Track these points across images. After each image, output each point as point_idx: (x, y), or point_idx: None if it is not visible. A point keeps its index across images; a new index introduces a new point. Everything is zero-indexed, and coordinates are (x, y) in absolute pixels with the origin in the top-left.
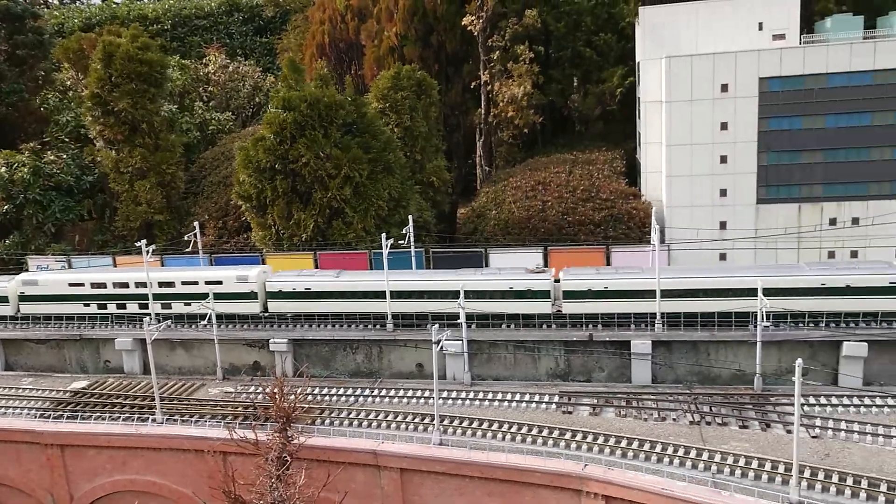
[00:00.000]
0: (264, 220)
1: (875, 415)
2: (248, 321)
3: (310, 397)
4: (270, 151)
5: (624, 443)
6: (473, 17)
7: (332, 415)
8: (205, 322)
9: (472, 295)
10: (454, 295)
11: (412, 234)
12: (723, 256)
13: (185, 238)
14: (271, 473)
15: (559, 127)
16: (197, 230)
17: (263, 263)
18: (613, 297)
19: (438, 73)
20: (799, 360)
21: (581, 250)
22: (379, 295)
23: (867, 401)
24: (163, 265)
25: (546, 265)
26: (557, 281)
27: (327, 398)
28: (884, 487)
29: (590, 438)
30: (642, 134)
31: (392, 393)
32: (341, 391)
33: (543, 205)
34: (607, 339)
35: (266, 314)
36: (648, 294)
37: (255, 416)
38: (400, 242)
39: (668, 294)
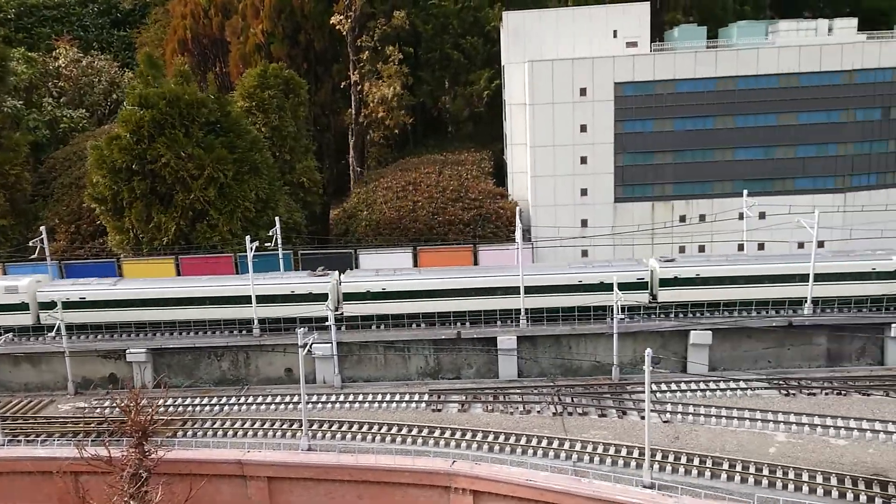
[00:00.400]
0: (121, 223)
1: (719, 398)
2: (101, 331)
3: (171, 409)
4: (127, 151)
5: (491, 437)
6: (341, 17)
7: (196, 426)
8: (52, 334)
9: (262, 300)
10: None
11: (279, 236)
12: (584, 253)
13: (31, 244)
14: (125, 491)
15: (430, 128)
16: (44, 236)
17: (120, 269)
18: (393, 299)
19: (307, 72)
20: (648, 351)
21: (450, 250)
22: (183, 302)
23: (712, 385)
24: (5, 273)
25: (415, 265)
26: None
27: (190, 409)
28: (725, 465)
29: (458, 435)
30: (508, 135)
31: (260, 400)
32: (205, 400)
33: (414, 205)
34: (475, 336)
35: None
36: (424, 294)
37: (109, 432)
38: (267, 245)
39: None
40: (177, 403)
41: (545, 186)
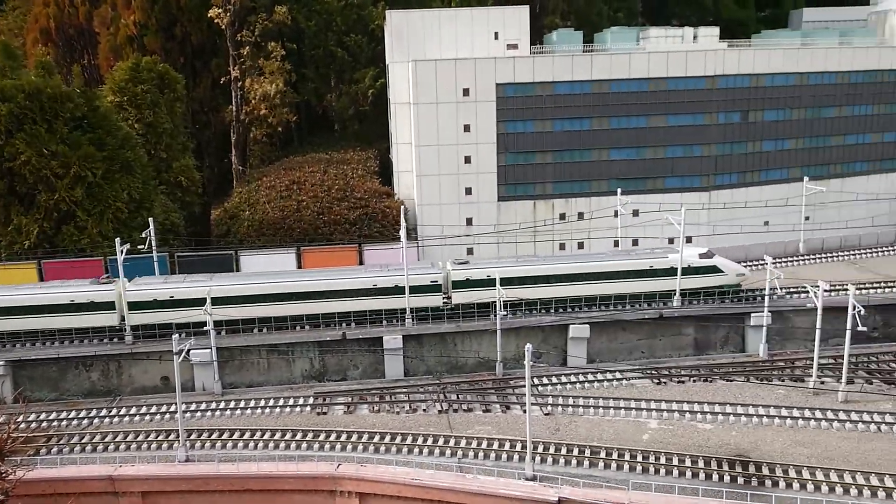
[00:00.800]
0: None
1: (597, 389)
2: None
3: (33, 424)
4: None
5: (377, 438)
6: (220, 10)
7: (62, 441)
8: None
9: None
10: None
11: (154, 238)
12: (470, 251)
13: None
14: None
15: (315, 126)
16: None
17: None
18: (179, 307)
19: (184, 66)
20: (529, 346)
21: (335, 250)
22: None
23: (590, 377)
24: None
25: (299, 265)
26: None
27: (56, 423)
28: (603, 454)
29: (344, 437)
30: (394, 134)
31: (134, 411)
32: (73, 414)
33: (298, 204)
34: (360, 336)
35: None
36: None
37: None
38: (141, 247)
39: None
40: (41, 419)
41: (430, 185)
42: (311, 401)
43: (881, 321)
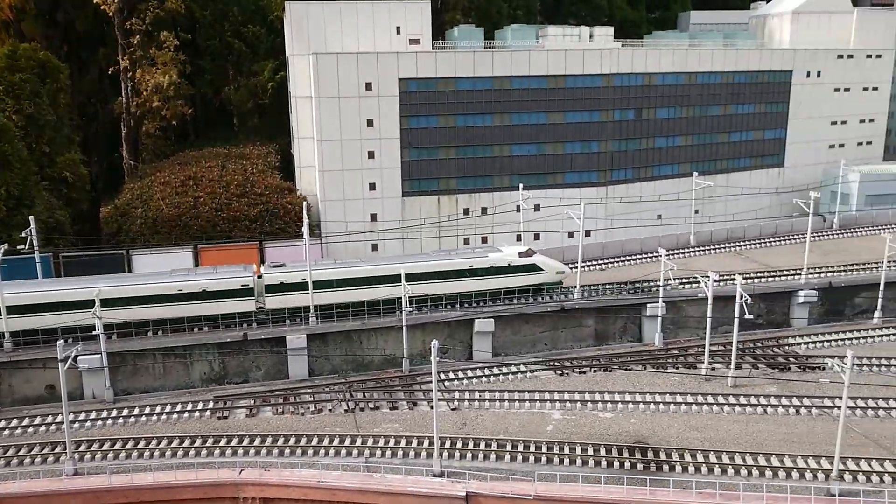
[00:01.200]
0: None
1: (502, 382)
2: None
3: None
4: None
5: (281, 441)
6: None
7: None
8: None
9: None
10: None
11: (35, 237)
12: (375, 247)
13: None
14: None
15: (213, 120)
16: None
17: None
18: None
19: (68, 55)
20: (435, 342)
21: (233, 247)
22: None
23: (496, 370)
24: None
25: (197, 264)
26: None
27: None
28: (509, 446)
29: (246, 441)
30: (295, 129)
31: (15, 423)
32: None
33: (196, 201)
34: (262, 336)
35: None
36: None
37: None
38: (21, 247)
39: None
40: None
41: (334, 181)
42: (210, 405)
43: (765, 309)
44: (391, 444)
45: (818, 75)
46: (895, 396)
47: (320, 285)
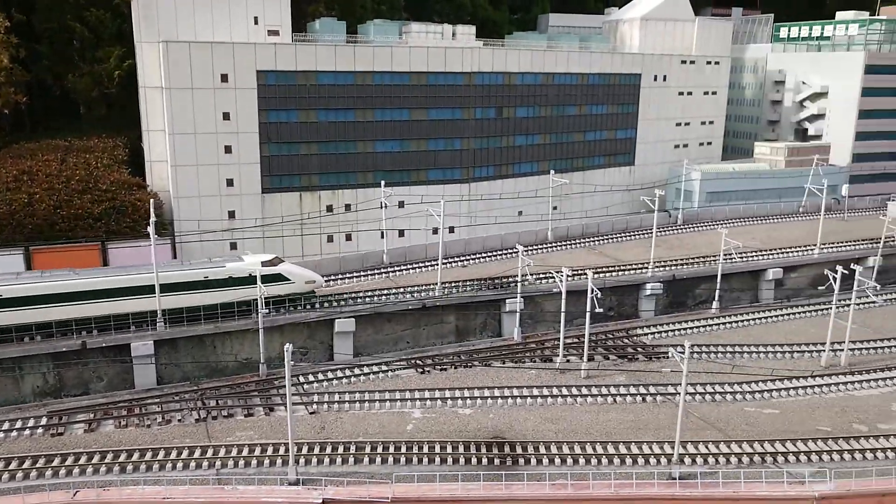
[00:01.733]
0: None
1: (363, 382)
2: None
3: None
4: None
5: (123, 456)
6: None
7: None
8: None
9: None
10: None
11: None
12: (234, 246)
13: None
14: None
15: (55, 110)
16: None
17: None
18: None
19: None
20: (288, 346)
21: (72, 248)
22: None
23: (356, 371)
24: None
25: (29, 268)
26: None
27: None
28: (368, 448)
29: (84, 459)
30: (145, 121)
31: None
32: None
33: (30, 198)
34: (104, 344)
35: None
36: None
37: None
38: None
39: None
40: None
41: (188, 176)
42: (44, 421)
43: (616, 302)
44: (245, 453)
45: (664, 79)
46: (730, 381)
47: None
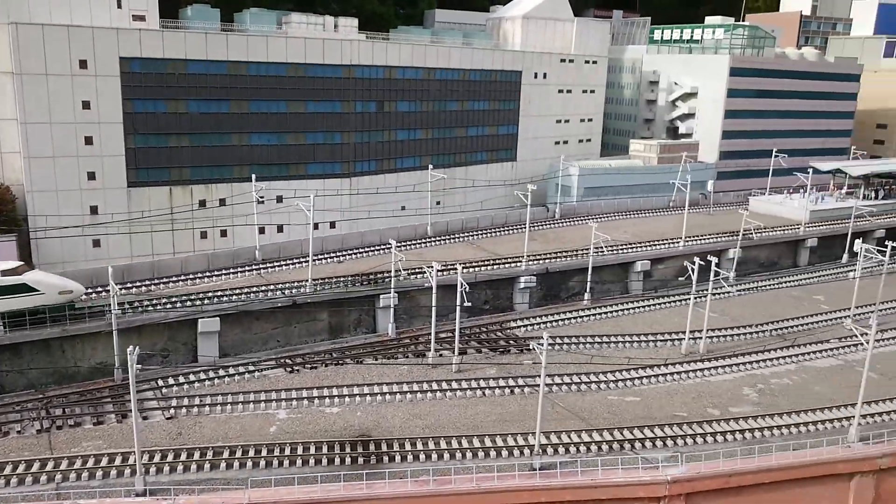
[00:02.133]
0: None
1: (228, 384)
2: None
3: None
4: None
5: None
6: None
7: None
8: None
9: None
10: None
11: None
12: (97, 243)
13: None
14: None
15: None
16: None
17: None
18: None
19: None
20: (132, 348)
21: None
22: None
23: (221, 372)
24: None
25: None
26: None
27: None
28: (226, 454)
29: None
30: None
31: None
32: None
33: None
34: None
35: None
36: None
37: None
38: None
39: None
40: None
41: (44, 169)
42: None
43: (491, 295)
44: (90, 464)
45: (545, 77)
46: (595, 371)
47: None
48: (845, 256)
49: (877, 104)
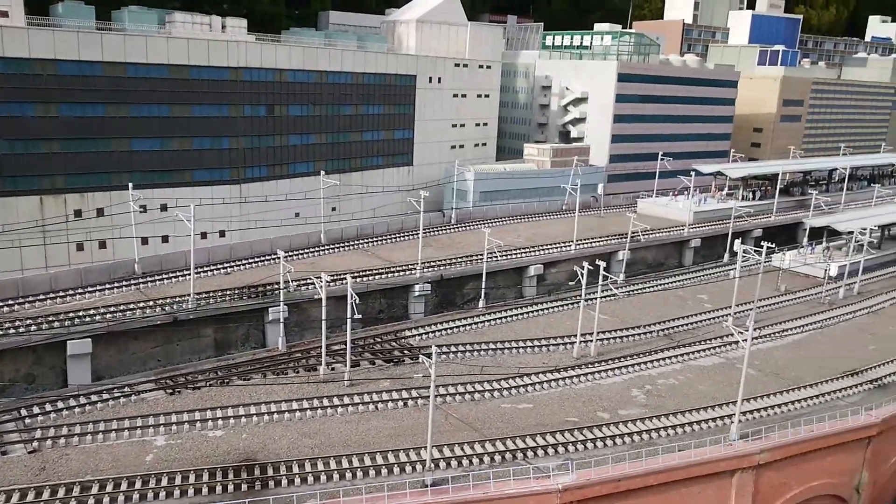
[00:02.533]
0: None
1: (100, 410)
2: None
3: None
4: None
5: None
6: None
7: None
8: None
9: None
10: None
11: None
12: None
13: None
14: None
15: None
16: None
17: None
18: None
19: None
20: None
21: None
22: None
23: (94, 397)
24: None
25: None
26: None
27: None
28: (95, 488)
29: None
30: None
31: None
32: None
33: None
34: None
35: None
36: None
37: None
38: None
39: None
40: None
41: None
42: None
43: (386, 304)
44: None
45: (439, 81)
46: (488, 379)
47: None
48: (726, 256)
49: (752, 109)
